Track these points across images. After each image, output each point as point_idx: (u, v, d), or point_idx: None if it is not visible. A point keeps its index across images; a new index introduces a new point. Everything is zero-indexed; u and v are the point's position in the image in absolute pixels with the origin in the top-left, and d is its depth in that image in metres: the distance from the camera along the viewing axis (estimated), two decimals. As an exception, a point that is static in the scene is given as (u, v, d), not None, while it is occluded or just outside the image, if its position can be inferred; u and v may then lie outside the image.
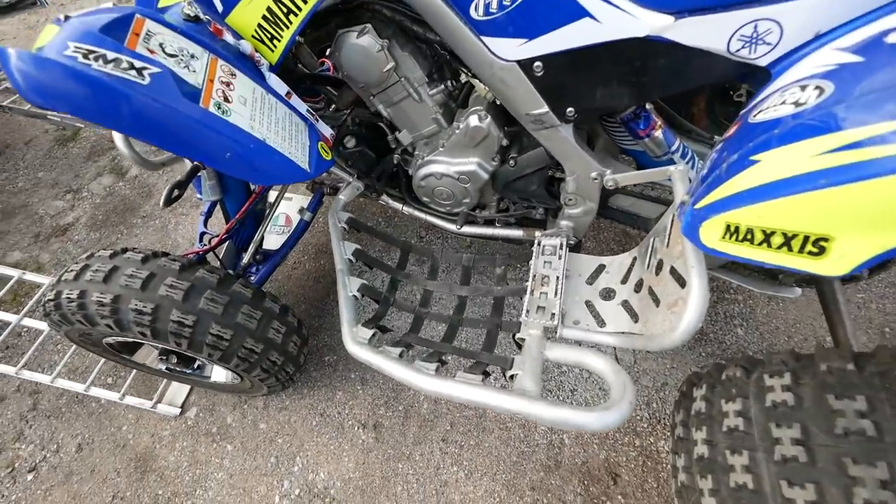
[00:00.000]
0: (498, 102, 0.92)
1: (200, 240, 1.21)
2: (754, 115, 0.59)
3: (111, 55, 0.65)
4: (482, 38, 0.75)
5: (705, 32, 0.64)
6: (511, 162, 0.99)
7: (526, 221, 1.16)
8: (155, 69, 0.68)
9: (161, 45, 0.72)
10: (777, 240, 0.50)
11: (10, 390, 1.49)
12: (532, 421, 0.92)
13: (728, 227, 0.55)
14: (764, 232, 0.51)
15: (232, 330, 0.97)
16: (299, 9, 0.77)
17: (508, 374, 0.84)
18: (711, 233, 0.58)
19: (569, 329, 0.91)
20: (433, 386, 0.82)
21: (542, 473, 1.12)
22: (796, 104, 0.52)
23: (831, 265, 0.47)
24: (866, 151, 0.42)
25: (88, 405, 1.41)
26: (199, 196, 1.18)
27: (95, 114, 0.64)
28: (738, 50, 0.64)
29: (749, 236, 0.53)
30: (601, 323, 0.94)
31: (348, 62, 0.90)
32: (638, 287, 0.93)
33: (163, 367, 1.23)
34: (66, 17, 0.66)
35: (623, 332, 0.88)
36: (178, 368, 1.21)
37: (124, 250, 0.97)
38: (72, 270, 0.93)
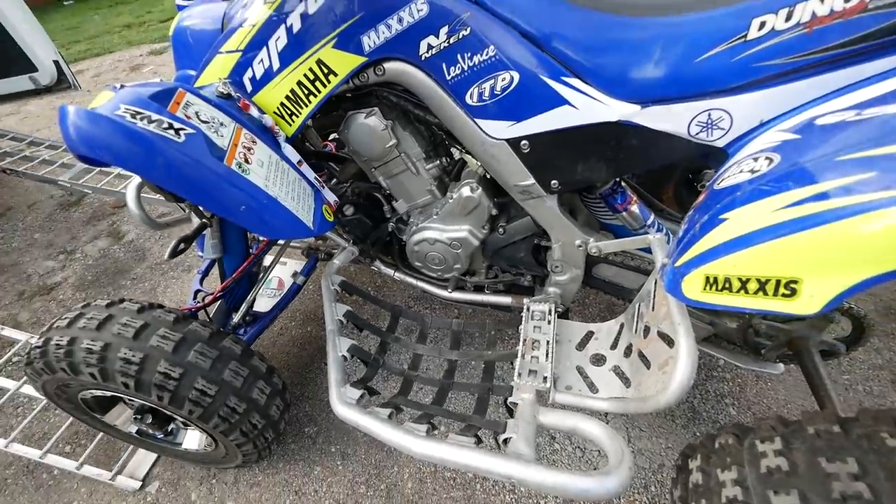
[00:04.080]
0: (488, 176, 1.02)
1: (194, 297, 1.21)
2: (718, 183, 0.68)
3: (154, 116, 0.74)
4: (475, 119, 0.86)
5: (667, 118, 0.74)
6: (500, 230, 1.06)
7: (514, 289, 1.20)
8: (190, 130, 0.76)
9: (197, 113, 0.81)
10: (753, 286, 0.55)
11: (-47, 458, 1.35)
12: (528, 487, 0.86)
13: (707, 278, 0.60)
14: (740, 279, 0.56)
15: (217, 386, 0.94)
16: (319, 91, 0.89)
17: (501, 437, 0.82)
18: (693, 286, 0.62)
19: (561, 394, 0.90)
20: (424, 448, 0.79)
21: (536, 566, 1.01)
22: (752, 172, 0.61)
23: (804, 304, 0.51)
24: (813, 206, 0.50)
25: (38, 477, 1.28)
26: (199, 254, 1.21)
27: (134, 163, 0.71)
28: (697, 133, 0.74)
29: (727, 285, 0.58)
30: (593, 389, 0.93)
31: (355, 139, 1.00)
32: (628, 352, 0.94)
33: (133, 429, 1.15)
34: (122, 86, 0.76)
35: (616, 398, 0.87)
36: (149, 432, 1.13)
37: (122, 300, 0.97)
38: (65, 318, 0.92)
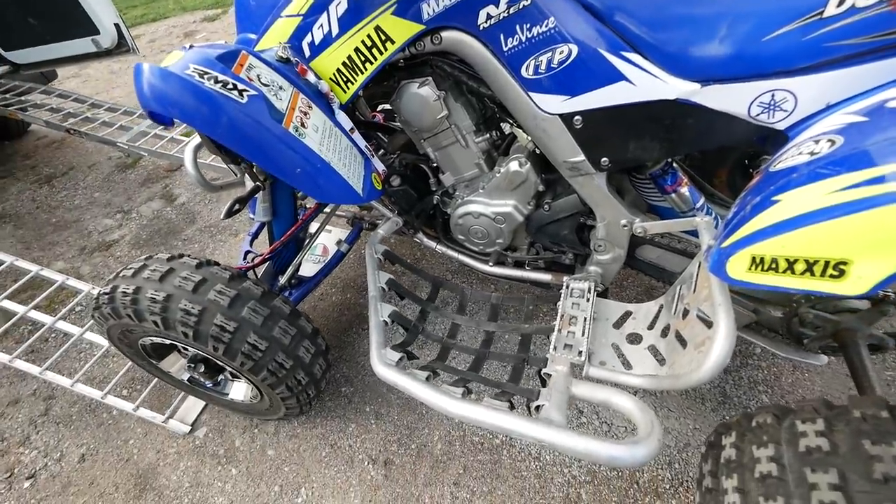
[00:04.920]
0: (537, 151, 1.01)
1: (244, 258, 1.28)
2: (774, 166, 0.66)
3: (220, 77, 0.78)
4: (529, 93, 0.86)
5: (728, 98, 0.72)
6: (546, 206, 1.06)
7: (554, 266, 1.21)
8: (252, 92, 0.80)
9: (258, 76, 0.85)
10: (800, 267, 0.55)
11: (26, 393, 1.50)
12: (558, 451, 0.89)
13: (753, 258, 0.60)
14: (787, 260, 0.56)
15: (267, 342, 1.00)
16: (375, 58, 0.91)
17: (534, 404, 0.84)
18: (738, 266, 0.62)
19: (595, 369, 0.92)
20: (460, 409, 0.82)
21: (559, 533, 1.05)
22: (811, 154, 0.60)
23: (852, 285, 0.51)
24: (869, 189, 0.49)
25: (99, 415, 1.40)
26: (251, 216, 1.27)
27: (200, 120, 0.75)
28: (757, 115, 0.72)
29: (774, 265, 0.57)
30: (627, 366, 0.95)
31: (407, 108, 1.02)
32: (665, 332, 0.95)
33: (186, 377, 1.24)
34: (191, 46, 0.80)
35: (649, 375, 0.88)
36: (200, 380, 1.22)
37: (181, 255, 1.04)
38: (130, 268, 1.00)
